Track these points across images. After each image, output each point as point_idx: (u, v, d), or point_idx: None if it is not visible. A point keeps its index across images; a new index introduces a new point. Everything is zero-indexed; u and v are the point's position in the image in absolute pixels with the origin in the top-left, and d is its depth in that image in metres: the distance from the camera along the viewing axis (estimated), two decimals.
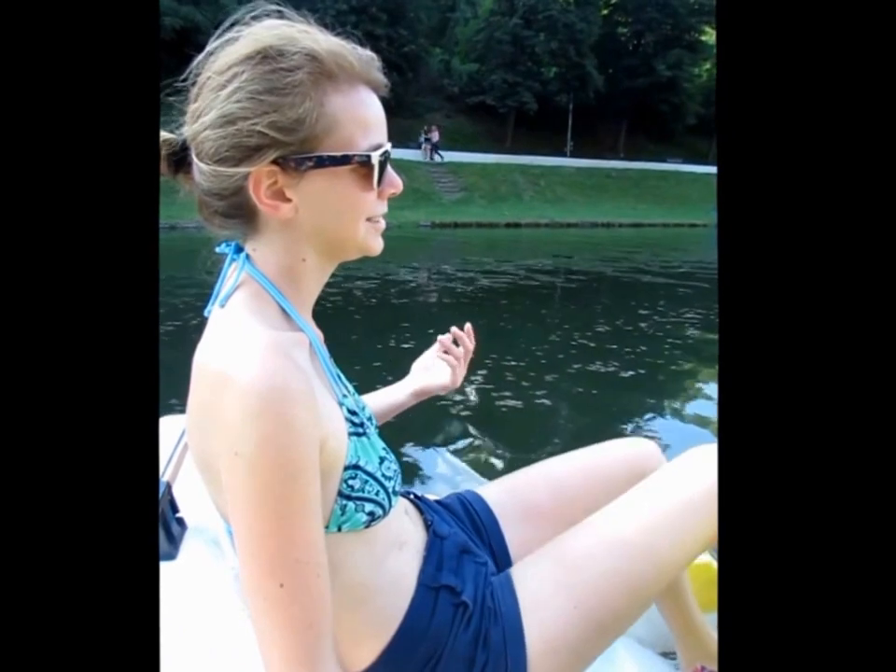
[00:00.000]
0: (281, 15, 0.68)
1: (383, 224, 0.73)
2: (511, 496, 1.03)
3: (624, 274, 11.24)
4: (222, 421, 0.60)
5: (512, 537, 0.99)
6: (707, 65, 37.96)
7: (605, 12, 35.74)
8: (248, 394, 0.58)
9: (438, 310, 7.40)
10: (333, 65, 0.65)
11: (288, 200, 0.67)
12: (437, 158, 27.39)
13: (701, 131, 38.52)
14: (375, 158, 0.67)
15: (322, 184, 0.66)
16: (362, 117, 0.67)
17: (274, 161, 0.65)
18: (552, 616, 0.82)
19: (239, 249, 0.74)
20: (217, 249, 0.75)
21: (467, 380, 1.13)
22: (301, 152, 0.65)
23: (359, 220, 0.69)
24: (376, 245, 0.73)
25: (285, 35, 0.65)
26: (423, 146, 27.51)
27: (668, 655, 1.29)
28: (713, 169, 34.73)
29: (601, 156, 33.60)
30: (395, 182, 0.72)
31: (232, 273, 0.72)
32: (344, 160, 0.66)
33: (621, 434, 3.53)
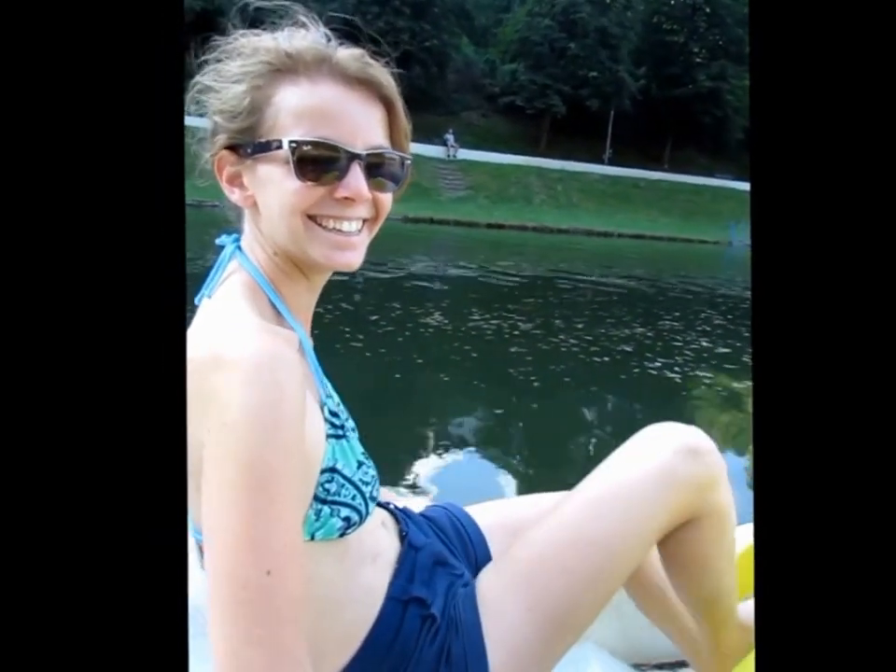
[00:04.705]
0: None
1: (342, 236, 0.69)
2: (500, 517, 1.02)
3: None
4: (210, 400, 0.56)
5: (499, 554, 0.95)
6: None
7: (654, 20, 34.69)
8: (241, 366, 0.56)
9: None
10: (290, 61, 0.66)
11: (246, 188, 0.70)
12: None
13: None
14: (286, 143, 0.65)
15: (263, 171, 0.67)
16: (305, 107, 0.66)
17: (230, 148, 0.69)
18: (509, 623, 0.81)
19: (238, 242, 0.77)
20: (217, 241, 0.76)
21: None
22: (247, 140, 0.68)
23: (294, 214, 0.67)
24: (324, 254, 0.69)
25: (264, 38, 0.69)
26: (448, 143, 27.72)
27: (641, 667, 1.31)
28: None
29: (644, 166, 32.58)
30: (349, 185, 0.67)
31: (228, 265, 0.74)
32: (267, 146, 0.66)
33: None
